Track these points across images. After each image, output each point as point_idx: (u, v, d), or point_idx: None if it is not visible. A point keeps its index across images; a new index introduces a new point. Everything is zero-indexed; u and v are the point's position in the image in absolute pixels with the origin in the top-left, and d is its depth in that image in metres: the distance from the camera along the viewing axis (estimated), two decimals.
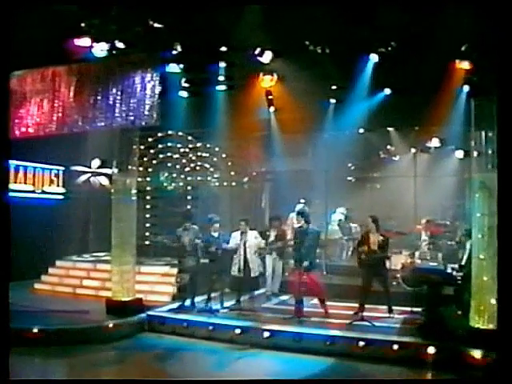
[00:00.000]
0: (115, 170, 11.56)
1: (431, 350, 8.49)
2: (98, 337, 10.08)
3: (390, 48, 11.35)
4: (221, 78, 12.88)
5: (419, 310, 10.45)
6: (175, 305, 11.54)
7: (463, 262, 10.02)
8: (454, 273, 10.04)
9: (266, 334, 9.66)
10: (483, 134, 9.22)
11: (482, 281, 8.54)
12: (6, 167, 7.48)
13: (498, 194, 7.47)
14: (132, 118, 10.50)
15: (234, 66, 12.54)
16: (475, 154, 9.36)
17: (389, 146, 17.48)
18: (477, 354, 8.14)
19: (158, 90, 10.44)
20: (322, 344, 9.22)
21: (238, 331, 9.93)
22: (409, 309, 10.78)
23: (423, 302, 10.22)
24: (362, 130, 15.37)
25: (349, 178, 18.25)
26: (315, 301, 11.11)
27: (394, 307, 10.81)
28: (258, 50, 11.79)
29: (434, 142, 14.60)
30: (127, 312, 10.93)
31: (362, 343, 8.97)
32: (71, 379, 8.50)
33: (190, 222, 11.71)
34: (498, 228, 7.57)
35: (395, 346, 8.77)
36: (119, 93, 10.62)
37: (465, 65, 10.69)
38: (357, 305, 10.69)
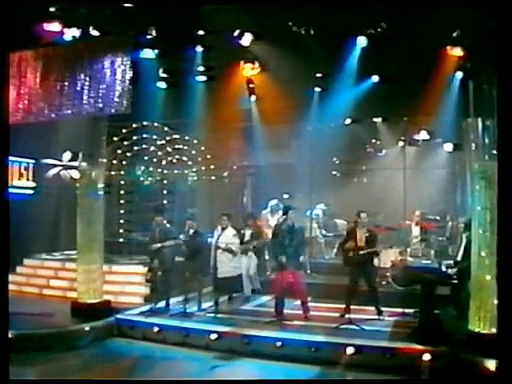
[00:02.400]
0: (82, 163, 10.78)
1: (427, 356, 7.70)
2: (60, 343, 9.20)
3: (379, 29, 10.60)
4: (200, 68, 12.38)
5: (411, 311, 9.73)
6: (147, 307, 10.60)
7: (459, 258, 9.21)
8: (449, 270, 9.21)
9: (246, 340, 8.80)
10: (480, 120, 8.51)
11: (483, 280, 7.69)
12: (5, 163, 7.12)
13: (498, 185, 6.83)
14: (101, 105, 9.82)
15: (212, 50, 11.92)
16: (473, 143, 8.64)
17: (376, 139, 16.74)
18: (479, 361, 7.32)
19: (129, 75, 9.76)
20: (307, 351, 8.37)
21: (214, 336, 9.05)
22: (400, 310, 10.02)
23: (415, 303, 9.46)
24: (348, 121, 14.68)
25: (334, 172, 17.51)
26: (298, 302, 10.30)
27: (383, 308, 10.01)
28: (237, 32, 11.04)
29: (423, 135, 13.90)
30: (94, 315, 10.04)
31: (350, 350, 8.12)
32: (71, 379, 7.87)
33: (162, 216, 10.91)
34: (498, 222, 6.98)
35: (388, 353, 7.95)
36: (87, 78, 9.95)
37: (457, 51, 10.20)
38: (343, 306, 9.95)
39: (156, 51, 11.50)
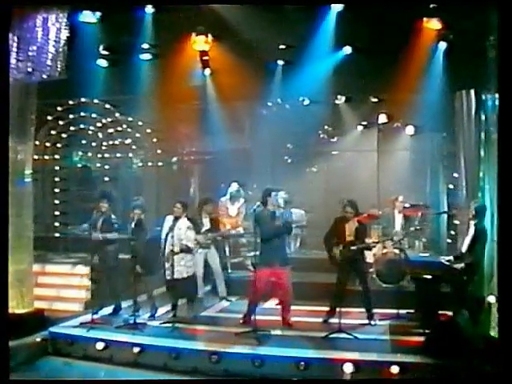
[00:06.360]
0: None
1: (446, 372, 6.26)
2: None
3: None
4: (145, 46, 11.42)
5: (404, 312, 8.53)
6: (88, 316, 8.65)
7: (464, 250, 7.83)
8: (449, 264, 7.80)
9: (215, 358, 7.06)
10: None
11: None
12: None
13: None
14: (30, 69, 8.52)
15: (163, 11, 10.51)
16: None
17: (339, 121, 15.35)
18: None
19: (64, 34, 8.65)
20: (293, 368, 6.76)
21: (174, 354, 7.27)
22: (391, 311, 8.67)
23: (405, 302, 8.48)
24: (312, 101, 13.42)
25: (296, 157, 16.02)
26: (268, 305, 8.82)
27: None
28: None
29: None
30: (23, 329, 8.09)
31: (347, 366, 6.57)
32: (71, 379, 7.14)
33: (108, 203, 9.20)
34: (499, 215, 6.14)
35: (395, 369, 6.45)
36: (15, 39, 8.51)
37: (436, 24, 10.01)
38: (325, 309, 8.50)
39: (98, 14, 10.35)
